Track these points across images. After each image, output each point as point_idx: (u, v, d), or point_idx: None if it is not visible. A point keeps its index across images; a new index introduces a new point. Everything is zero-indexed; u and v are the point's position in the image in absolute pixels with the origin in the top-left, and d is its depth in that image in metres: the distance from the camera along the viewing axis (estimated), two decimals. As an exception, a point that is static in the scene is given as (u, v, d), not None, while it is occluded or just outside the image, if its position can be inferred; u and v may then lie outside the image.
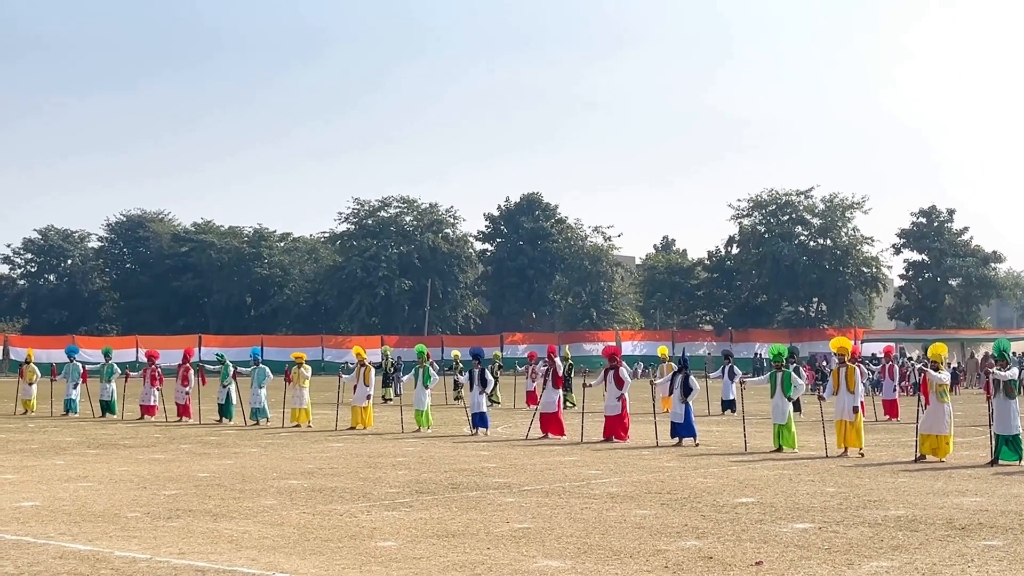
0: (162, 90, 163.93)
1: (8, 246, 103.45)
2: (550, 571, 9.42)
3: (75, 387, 32.07)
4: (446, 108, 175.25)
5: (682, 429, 22.08)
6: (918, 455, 19.01)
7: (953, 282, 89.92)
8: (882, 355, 35.11)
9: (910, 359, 50.30)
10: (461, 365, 36.54)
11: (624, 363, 24.29)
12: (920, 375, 19.88)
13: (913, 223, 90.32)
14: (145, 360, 31.51)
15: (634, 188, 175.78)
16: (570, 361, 36.53)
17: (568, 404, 32.25)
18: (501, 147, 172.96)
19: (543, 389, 24.70)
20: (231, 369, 28.69)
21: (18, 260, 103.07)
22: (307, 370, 27.35)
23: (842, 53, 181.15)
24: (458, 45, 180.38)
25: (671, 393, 22.90)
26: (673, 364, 29.11)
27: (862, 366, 26.63)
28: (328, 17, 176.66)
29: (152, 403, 30.22)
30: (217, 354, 30.16)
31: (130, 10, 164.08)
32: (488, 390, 25.58)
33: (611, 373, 23.33)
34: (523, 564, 9.72)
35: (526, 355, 44.36)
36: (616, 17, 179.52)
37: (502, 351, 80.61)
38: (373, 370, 27.33)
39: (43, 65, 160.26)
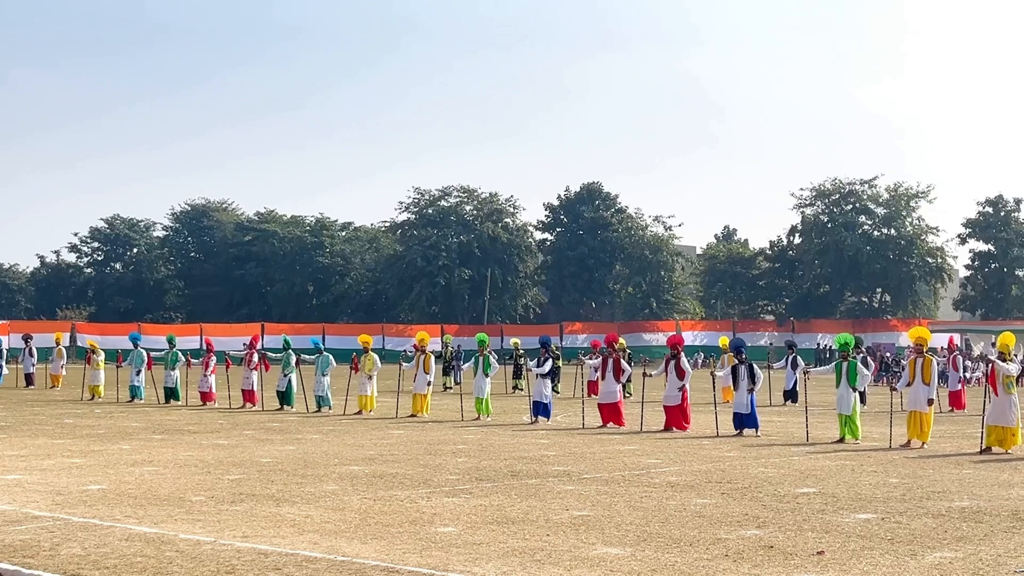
0: (226, 81, 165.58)
1: (75, 235, 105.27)
2: (609, 558, 9.42)
3: (139, 373, 32.51)
4: (506, 99, 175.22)
5: (746, 420, 21.92)
6: (984, 446, 18.77)
7: (1020, 272, 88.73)
8: (945, 347, 34.67)
9: (971, 351, 49.46)
10: (523, 351, 36.66)
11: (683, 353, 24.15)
12: (988, 366, 19.55)
13: (979, 212, 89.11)
14: (204, 348, 31.90)
15: (695, 178, 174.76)
16: (628, 351, 36.42)
17: (626, 394, 32.17)
18: (562, 137, 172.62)
19: (603, 379, 24.62)
20: (293, 357, 28.90)
21: (85, 249, 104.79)
22: (375, 357, 27.34)
23: (903, 41, 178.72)
24: (516, 38, 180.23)
25: (735, 385, 22.68)
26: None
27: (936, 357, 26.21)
28: (386, 13, 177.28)
29: (208, 389, 30.63)
30: (284, 339, 30.42)
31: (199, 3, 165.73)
32: (544, 371, 25.45)
33: (672, 363, 23.20)
34: (582, 551, 9.72)
35: (588, 344, 44.39)
36: (688, 7, 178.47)
37: (562, 341, 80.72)
38: (433, 358, 27.42)
39: (110, 55, 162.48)
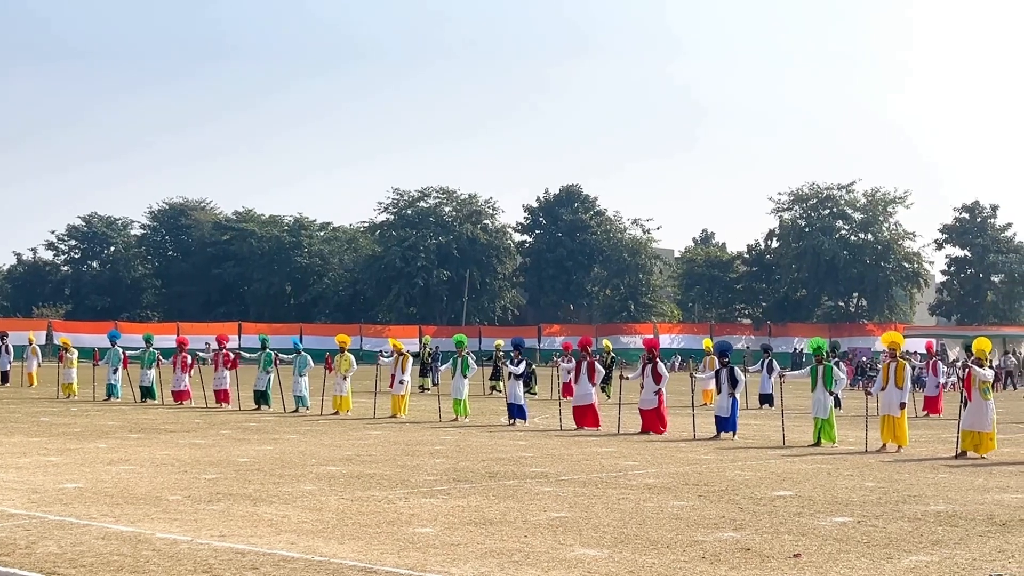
0: (206, 80, 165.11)
1: (52, 232, 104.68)
2: (587, 559, 9.43)
3: (115, 372, 32.37)
4: (486, 99, 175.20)
5: (726, 423, 21.97)
6: (959, 451, 18.88)
7: (995, 278, 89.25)
8: (923, 352, 34.83)
9: (946, 356, 49.85)
10: (502, 353, 36.63)
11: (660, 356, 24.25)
12: (964, 371, 19.69)
13: (956, 218, 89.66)
14: (177, 347, 31.80)
15: (674, 181, 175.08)
16: (612, 354, 36.55)
17: (606, 396, 32.22)
18: (541, 139, 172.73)
19: (576, 382, 24.68)
20: (272, 356, 28.84)
21: (62, 247, 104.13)
22: (351, 358, 27.31)
23: (885, 46, 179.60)
24: (497, 40, 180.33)
25: (718, 389, 22.75)
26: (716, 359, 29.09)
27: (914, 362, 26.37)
28: (367, 11, 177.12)
29: (183, 388, 30.56)
30: (262, 337, 30.38)
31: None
32: (519, 371, 25.53)
33: (649, 367, 23.27)
34: (560, 552, 9.74)
35: (561, 346, 44.47)
36: (668, 12, 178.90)
37: (540, 342, 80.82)
38: (411, 359, 27.47)
39: (90, 55, 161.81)
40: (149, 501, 12.39)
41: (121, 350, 32.90)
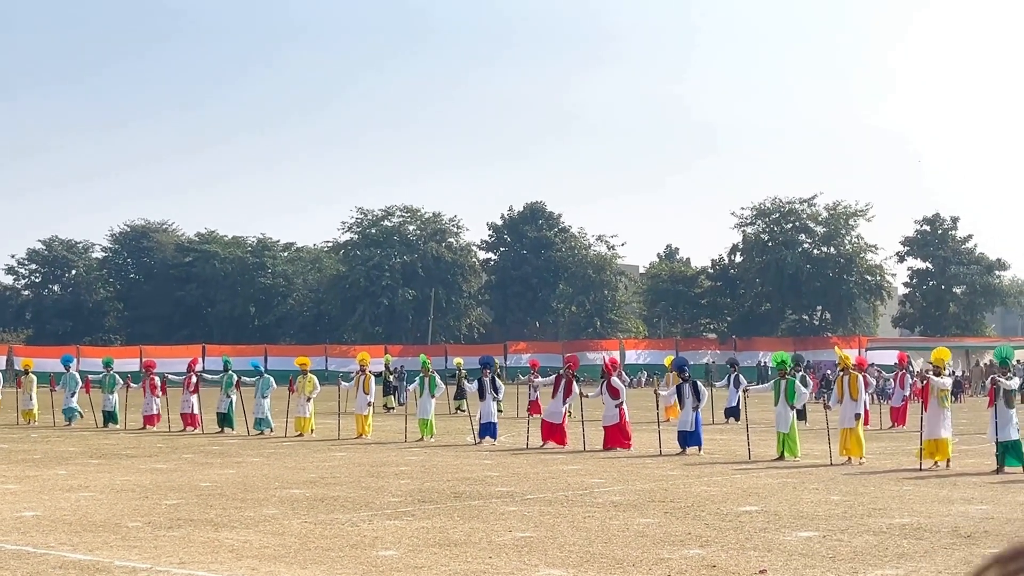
0: (166, 101, 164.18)
1: (12, 256, 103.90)
2: (552, 580, 9.36)
3: (73, 396, 32.07)
4: (448, 117, 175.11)
5: (690, 438, 21.98)
6: (922, 461, 18.95)
7: (957, 290, 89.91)
8: (894, 363, 34.75)
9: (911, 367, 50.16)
10: (465, 372, 36.46)
11: (623, 372, 24.28)
12: (923, 382, 19.83)
13: (917, 231, 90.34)
14: (144, 371, 31.55)
15: (637, 197, 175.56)
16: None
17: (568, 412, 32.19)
18: (505, 156, 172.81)
19: (552, 397, 24.60)
20: (234, 378, 28.63)
21: (22, 271, 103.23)
22: (315, 379, 27.28)
23: (844, 61, 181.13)
24: (455, 57, 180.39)
25: (681, 404, 22.78)
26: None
27: (867, 375, 26.46)
28: (326, 23, 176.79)
29: (154, 412, 30.26)
30: (224, 359, 30.19)
31: (133, 11, 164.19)
32: (499, 397, 25.67)
33: (604, 383, 23.37)
34: (525, 573, 9.66)
35: (528, 364, 44.36)
36: (619, 28, 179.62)
37: (506, 360, 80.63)
38: (373, 378, 27.41)
39: (47, 78, 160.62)
40: (108, 528, 12.21)
41: (78, 375, 32.59)
